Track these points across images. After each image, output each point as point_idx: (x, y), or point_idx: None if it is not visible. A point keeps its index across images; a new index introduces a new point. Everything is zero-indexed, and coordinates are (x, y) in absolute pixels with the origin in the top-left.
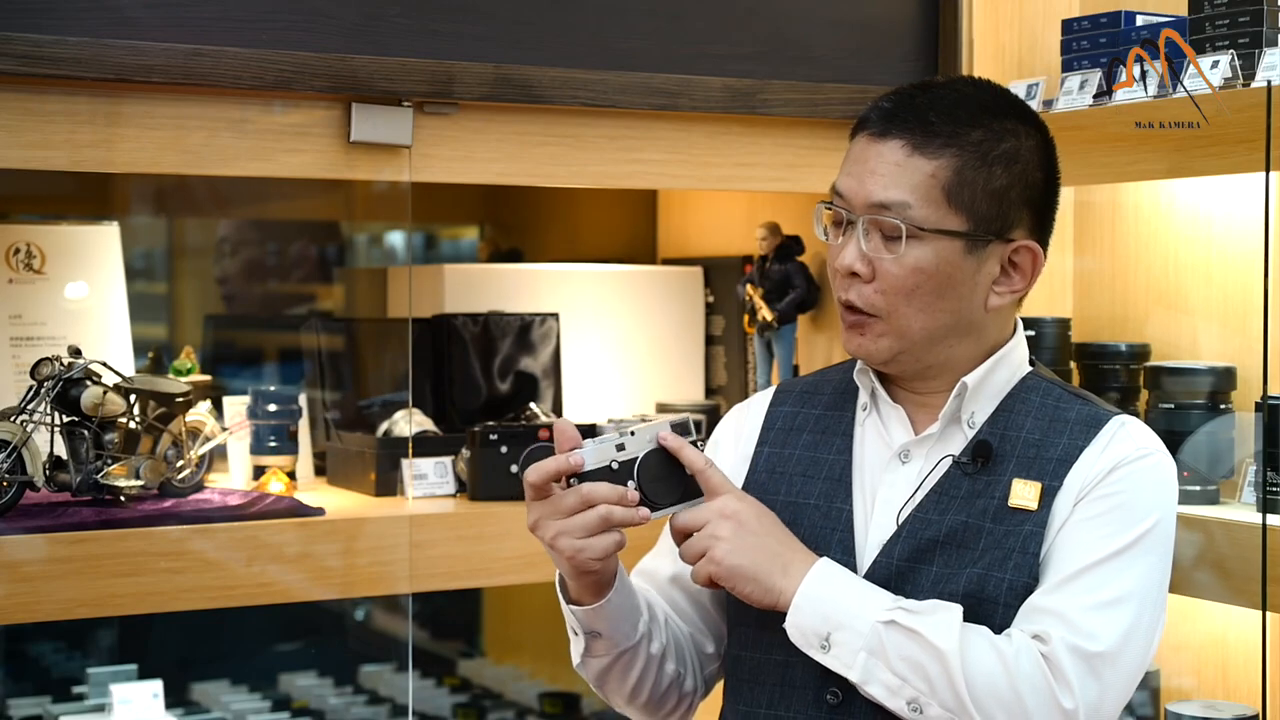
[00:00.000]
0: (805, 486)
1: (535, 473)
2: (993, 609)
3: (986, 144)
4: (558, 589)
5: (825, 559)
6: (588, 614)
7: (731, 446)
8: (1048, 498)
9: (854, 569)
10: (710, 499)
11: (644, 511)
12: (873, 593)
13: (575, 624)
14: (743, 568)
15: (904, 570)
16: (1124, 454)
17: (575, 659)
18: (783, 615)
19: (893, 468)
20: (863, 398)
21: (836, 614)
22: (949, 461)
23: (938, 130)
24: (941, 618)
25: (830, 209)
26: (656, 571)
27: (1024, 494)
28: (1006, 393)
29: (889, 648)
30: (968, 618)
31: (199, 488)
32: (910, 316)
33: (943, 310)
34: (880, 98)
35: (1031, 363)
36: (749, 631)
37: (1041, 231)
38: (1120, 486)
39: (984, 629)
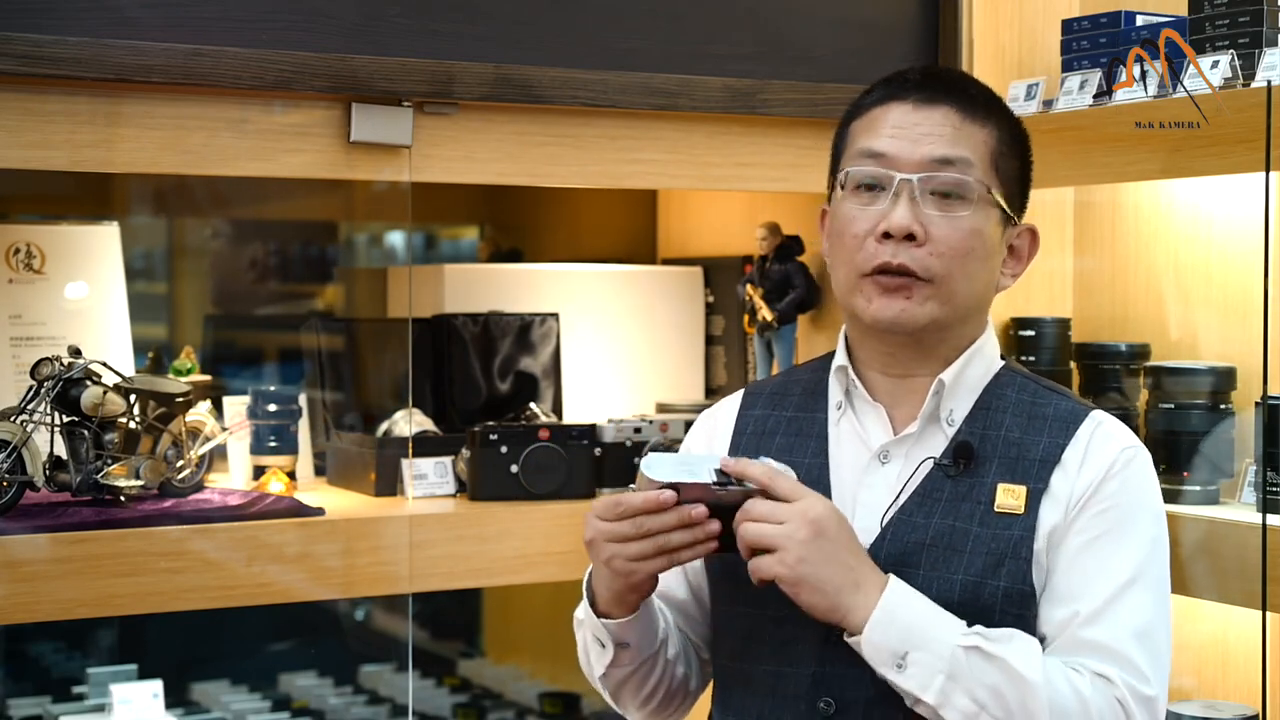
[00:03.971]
0: None
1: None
2: (989, 616)
3: (1009, 125)
4: (585, 602)
5: (895, 577)
6: (620, 626)
7: (703, 453)
8: (1033, 500)
9: None
10: (790, 501)
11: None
12: (946, 616)
13: (606, 636)
14: (816, 579)
15: (890, 574)
16: (1110, 459)
17: (599, 670)
18: (773, 626)
19: (872, 469)
20: (836, 397)
21: (914, 634)
22: (930, 463)
23: (979, 101)
24: (1021, 646)
25: (867, 169)
26: None
27: (1009, 499)
28: (983, 388)
29: (969, 673)
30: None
31: (199, 488)
32: (961, 281)
33: (980, 280)
34: (894, 75)
35: (1003, 357)
36: (736, 642)
37: (1023, 218)
38: (1117, 499)
39: (1055, 661)
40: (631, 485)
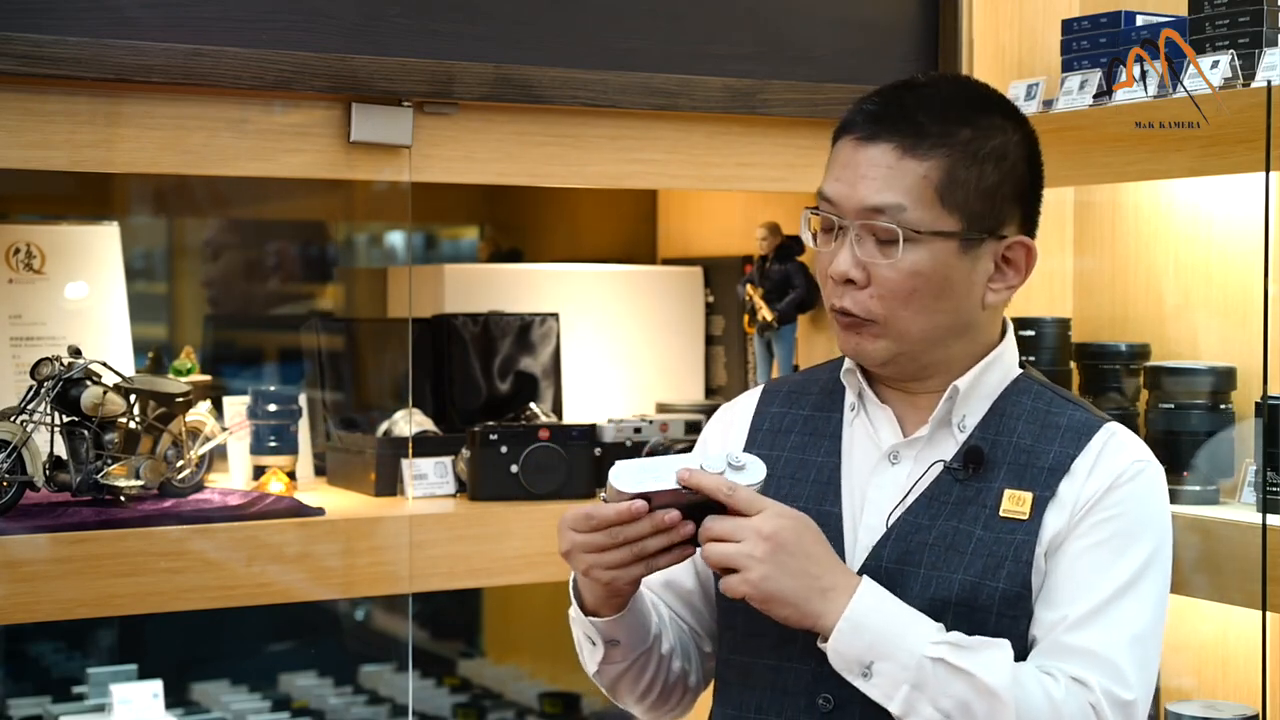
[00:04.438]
0: (794, 489)
1: (590, 521)
2: (985, 617)
3: (975, 142)
4: (573, 601)
5: (867, 579)
6: (608, 625)
7: (719, 447)
8: (1039, 507)
9: None
10: (747, 515)
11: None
12: (917, 621)
13: (595, 635)
14: (781, 593)
15: (893, 573)
16: (1120, 469)
17: (592, 667)
18: (774, 621)
19: (881, 469)
20: (850, 398)
21: (880, 643)
22: (940, 466)
23: (927, 131)
24: (993, 655)
25: (818, 215)
26: (650, 578)
27: (1015, 504)
28: (998, 395)
29: (935, 684)
30: (960, 626)
31: (199, 488)
32: (909, 320)
33: (940, 311)
34: (862, 100)
35: (1022, 365)
36: (737, 635)
37: (1030, 225)
38: (1122, 508)
39: (1028, 669)
40: (601, 494)
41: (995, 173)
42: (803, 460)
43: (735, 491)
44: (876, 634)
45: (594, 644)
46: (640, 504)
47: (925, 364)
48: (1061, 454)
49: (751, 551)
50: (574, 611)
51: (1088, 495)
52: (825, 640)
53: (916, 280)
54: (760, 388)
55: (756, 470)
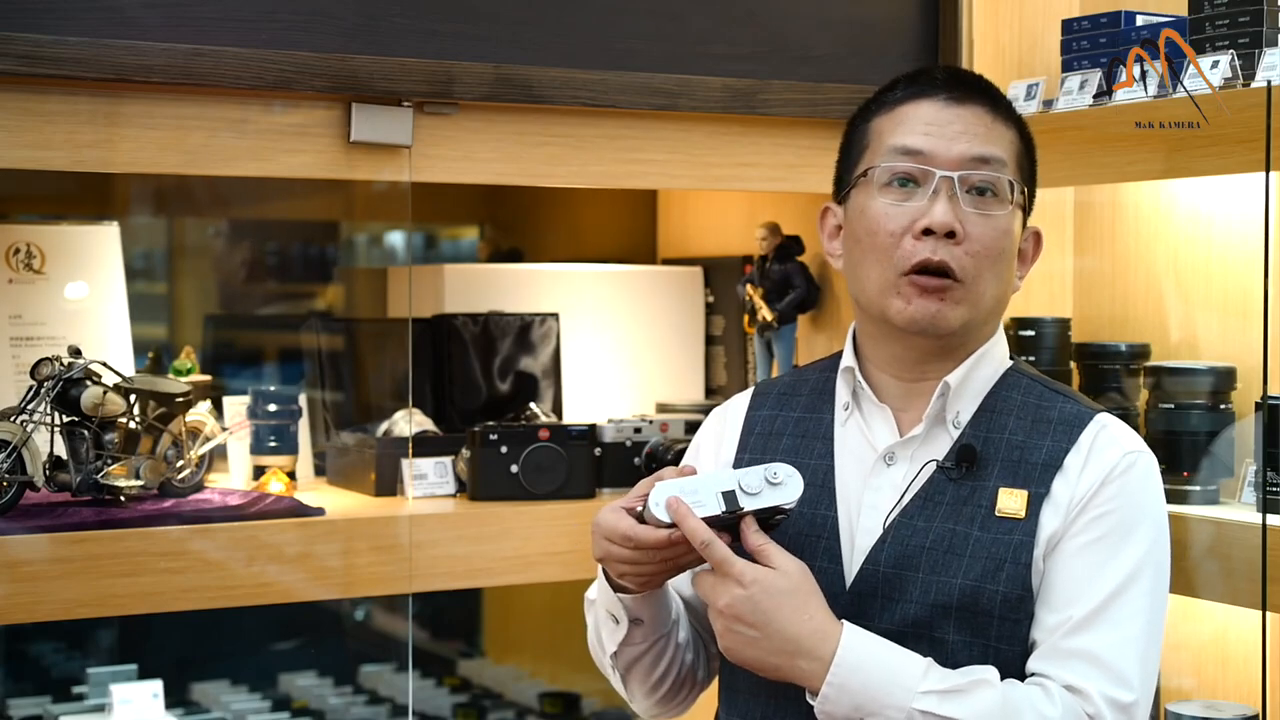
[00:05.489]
0: None
1: (631, 538)
2: (987, 622)
3: (1024, 130)
4: (601, 579)
5: (848, 631)
6: (636, 601)
7: (713, 452)
8: (1034, 505)
9: (841, 577)
10: (717, 572)
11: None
12: (902, 669)
13: (620, 611)
14: (747, 662)
15: (891, 578)
16: (1111, 463)
17: (611, 647)
18: None
19: (878, 471)
20: (843, 398)
21: (867, 703)
22: (933, 466)
23: (1003, 102)
24: (980, 695)
25: (905, 165)
26: None
27: (1010, 503)
28: (989, 390)
29: None
30: (962, 631)
31: (199, 488)
32: (989, 284)
33: (1005, 283)
34: (920, 71)
35: (1012, 358)
36: None
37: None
38: (1116, 503)
39: (1020, 692)
40: (631, 507)
41: (1035, 161)
42: (797, 464)
43: (709, 547)
44: (862, 694)
45: (617, 622)
46: (679, 533)
47: (968, 338)
48: (1054, 449)
49: (715, 624)
50: (596, 592)
51: (1081, 493)
52: (814, 696)
53: (1004, 241)
54: (751, 390)
55: (793, 487)
